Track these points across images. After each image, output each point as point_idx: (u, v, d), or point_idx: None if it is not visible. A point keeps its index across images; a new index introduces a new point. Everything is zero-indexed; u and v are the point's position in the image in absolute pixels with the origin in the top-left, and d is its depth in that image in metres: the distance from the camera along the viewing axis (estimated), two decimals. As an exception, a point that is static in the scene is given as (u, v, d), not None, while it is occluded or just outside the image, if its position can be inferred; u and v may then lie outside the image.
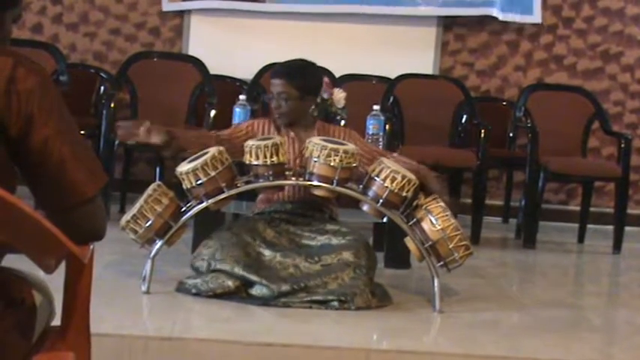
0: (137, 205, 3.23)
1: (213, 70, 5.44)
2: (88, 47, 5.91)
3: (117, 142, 4.83)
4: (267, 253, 3.28)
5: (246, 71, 5.55)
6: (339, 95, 3.80)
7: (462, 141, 5.37)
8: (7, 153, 1.43)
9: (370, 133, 4.08)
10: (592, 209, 5.50)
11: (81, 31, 5.91)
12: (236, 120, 4.09)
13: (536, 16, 5.97)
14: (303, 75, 3.54)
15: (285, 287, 3.14)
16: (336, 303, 3.15)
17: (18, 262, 1.53)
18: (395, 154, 3.58)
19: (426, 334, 3.14)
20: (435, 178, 3.39)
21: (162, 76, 5.39)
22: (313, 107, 3.57)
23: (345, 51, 5.85)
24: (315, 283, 3.19)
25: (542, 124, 5.27)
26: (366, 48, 5.93)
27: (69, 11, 5.90)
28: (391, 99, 5.40)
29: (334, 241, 3.34)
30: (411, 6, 5.89)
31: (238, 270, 3.16)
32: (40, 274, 1.50)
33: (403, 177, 3.17)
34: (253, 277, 3.15)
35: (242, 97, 4.29)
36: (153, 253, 3.24)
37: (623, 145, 5.19)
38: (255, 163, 3.19)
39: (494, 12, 5.92)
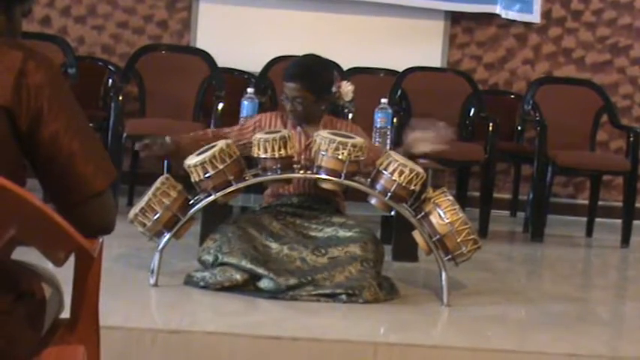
0: (145, 198, 3.24)
1: (221, 62, 5.43)
2: (96, 40, 5.91)
3: (125, 135, 4.83)
4: (273, 245, 3.28)
5: (254, 64, 5.55)
6: (347, 88, 3.78)
7: (470, 134, 5.36)
8: (18, 146, 1.43)
9: (378, 126, 4.05)
10: (600, 203, 5.49)
11: (89, 24, 5.91)
12: (244, 113, 4.07)
13: (535, 15, 5.95)
14: (318, 77, 3.50)
15: (292, 281, 3.15)
16: (343, 296, 3.15)
17: (28, 255, 1.53)
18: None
19: (434, 327, 3.13)
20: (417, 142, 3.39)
21: (170, 69, 5.39)
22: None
23: (353, 43, 5.84)
24: (322, 276, 3.19)
25: (551, 117, 5.25)
26: (374, 40, 5.92)
27: (77, 4, 5.90)
28: (399, 92, 5.40)
29: (341, 233, 3.34)
30: None
31: (245, 263, 3.16)
32: (50, 267, 1.50)
33: (411, 170, 3.16)
34: (260, 270, 3.15)
35: (250, 90, 4.26)
36: (161, 246, 3.25)
37: (631, 139, 5.18)
38: (263, 156, 3.19)
39: (497, 9, 5.90)
